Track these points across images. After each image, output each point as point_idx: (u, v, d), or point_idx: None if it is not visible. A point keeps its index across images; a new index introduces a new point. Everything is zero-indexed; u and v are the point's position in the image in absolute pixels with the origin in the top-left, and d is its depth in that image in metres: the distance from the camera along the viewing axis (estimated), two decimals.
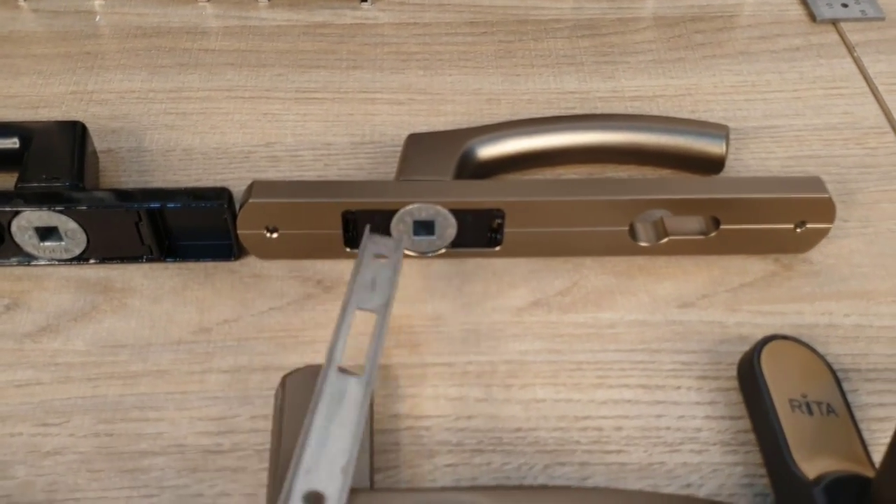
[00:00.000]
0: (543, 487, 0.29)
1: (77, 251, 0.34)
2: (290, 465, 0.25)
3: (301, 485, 0.24)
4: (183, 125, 0.40)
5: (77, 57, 0.44)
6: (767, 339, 0.31)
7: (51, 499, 0.29)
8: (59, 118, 0.40)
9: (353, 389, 0.27)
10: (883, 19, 0.47)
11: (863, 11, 0.47)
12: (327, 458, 0.25)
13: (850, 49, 0.45)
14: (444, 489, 0.28)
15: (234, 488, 0.29)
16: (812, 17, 0.47)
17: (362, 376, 0.27)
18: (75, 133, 0.36)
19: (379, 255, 0.31)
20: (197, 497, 0.29)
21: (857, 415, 0.31)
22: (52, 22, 0.46)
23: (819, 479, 0.27)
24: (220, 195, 0.34)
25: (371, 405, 0.30)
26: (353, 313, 0.29)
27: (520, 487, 0.29)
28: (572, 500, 0.26)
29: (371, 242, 0.32)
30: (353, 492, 0.25)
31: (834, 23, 0.47)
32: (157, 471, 0.30)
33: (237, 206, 0.34)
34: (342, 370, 0.27)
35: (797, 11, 0.47)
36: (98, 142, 0.39)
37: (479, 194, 0.34)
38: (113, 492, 0.29)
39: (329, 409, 0.26)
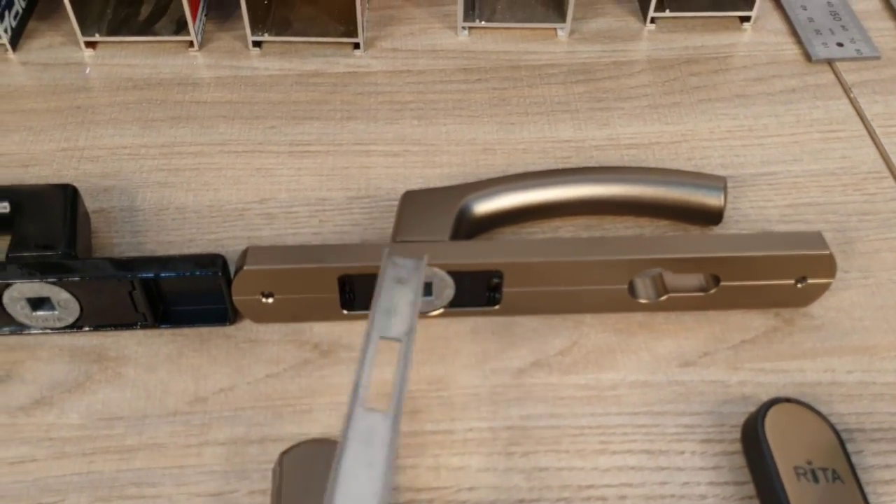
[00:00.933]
0: None
1: (70, 320, 0.34)
2: None
3: None
4: (175, 182, 0.40)
5: (67, 112, 0.43)
6: (771, 403, 0.31)
7: None
8: (51, 176, 0.40)
9: (381, 427, 0.26)
10: (879, 58, 0.47)
11: (858, 51, 0.47)
12: (358, 501, 0.24)
13: (846, 90, 0.45)
14: None
15: None
16: (807, 56, 0.47)
17: (388, 412, 0.26)
18: (66, 196, 0.36)
19: (400, 280, 0.30)
20: None
21: (863, 477, 0.31)
22: (41, 75, 0.45)
23: None
24: (215, 262, 0.33)
25: None
26: (377, 344, 0.28)
27: None
28: None
29: (391, 266, 0.31)
30: None
31: (829, 62, 0.46)
32: None
33: (232, 272, 0.34)
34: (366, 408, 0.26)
35: (792, 51, 0.47)
36: (90, 201, 0.38)
37: (477, 256, 0.34)
38: None
39: (357, 450, 0.25)
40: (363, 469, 0.25)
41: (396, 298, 0.30)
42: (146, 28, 0.46)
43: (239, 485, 0.31)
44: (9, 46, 0.46)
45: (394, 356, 0.28)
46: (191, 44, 0.46)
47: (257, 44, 0.46)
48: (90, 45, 0.46)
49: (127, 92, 0.44)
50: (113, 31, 0.46)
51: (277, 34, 0.46)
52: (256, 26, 0.46)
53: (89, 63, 0.46)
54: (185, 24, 0.45)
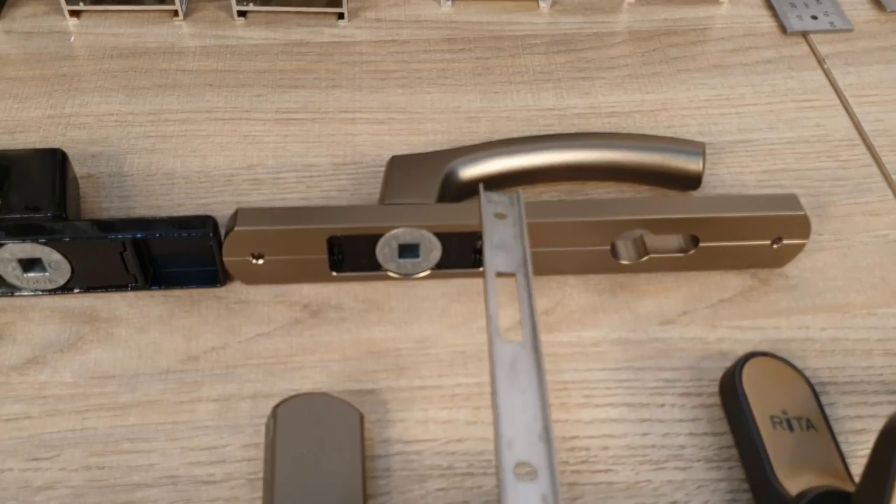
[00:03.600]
0: None
1: (61, 281, 0.34)
2: (494, 441, 0.24)
3: (508, 460, 0.24)
4: (163, 148, 0.40)
5: (53, 79, 0.43)
6: (748, 357, 0.32)
7: None
8: (38, 143, 0.40)
9: (521, 355, 0.26)
10: (851, 31, 0.48)
11: (832, 23, 0.48)
12: (523, 428, 0.24)
13: (820, 61, 0.46)
14: None
15: None
16: (783, 29, 0.48)
17: (525, 340, 0.26)
18: (55, 161, 0.36)
19: (499, 215, 0.31)
20: None
21: (835, 428, 0.32)
22: (25, 43, 0.45)
23: (801, 495, 0.28)
24: (205, 224, 0.34)
25: (362, 431, 0.30)
26: (494, 280, 0.28)
27: None
28: None
29: (488, 202, 0.31)
30: None
31: (804, 35, 0.48)
32: (150, 503, 0.30)
33: (222, 234, 0.34)
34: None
35: (768, 24, 0.48)
36: (78, 167, 0.39)
37: (463, 217, 0.34)
38: None
39: (508, 378, 0.25)
40: (517, 397, 0.25)
41: (503, 234, 0.30)
42: None
43: (232, 439, 0.31)
44: None
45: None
46: (175, 13, 0.46)
47: (242, 13, 0.47)
48: (74, 13, 0.46)
49: (112, 60, 0.44)
50: (97, 0, 0.46)
51: (262, 4, 0.47)
52: None
53: (73, 32, 0.46)
54: None
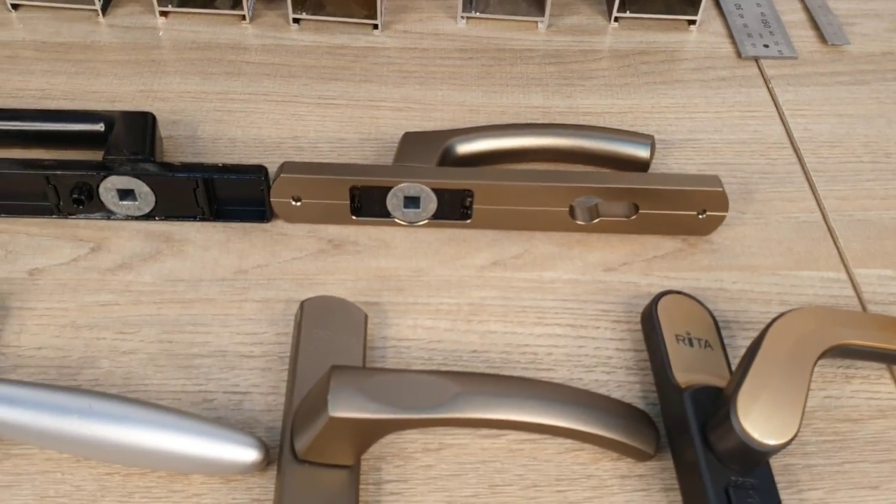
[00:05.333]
0: (483, 374, 0.39)
1: (147, 210, 0.45)
2: None
3: None
4: (228, 120, 0.51)
5: (144, 63, 0.55)
6: (664, 293, 0.42)
7: (126, 384, 0.39)
8: (132, 110, 0.51)
9: None
10: (796, 58, 0.57)
11: (780, 51, 0.58)
12: None
13: (766, 81, 0.56)
14: (406, 371, 0.38)
15: (262, 382, 0.40)
16: (738, 54, 0.57)
17: None
18: (147, 121, 0.47)
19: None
20: (234, 387, 0.39)
21: (733, 353, 0.41)
22: (124, 35, 0.57)
23: (688, 386, 0.38)
24: (259, 171, 0.44)
25: (366, 326, 0.40)
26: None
27: (465, 373, 0.39)
28: (498, 383, 0.37)
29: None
30: (336, 368, 0.34)
31: (756, 59, 0.57)
32: (205, 368, 0.40)
33: (271, 181, 0.45)
34: None
35: (727, 49, 0.58)
36: (161, 130, 0.50)
37: (455, 177, 0.45)
38: (173, 381, 0.39)
39: None
40: None
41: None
42: (209, 2, 0.58)
43: (269, 328, 0.42)
44: (100, 12, 0.57)
45: None
46: (243, 17, 0.58)
47: (297, 20, 0.58)
48: (164, 14, 0.58)
49: (191, 51, 0.56)
50: (182, 4, 0.58)
51: (313, 14, 0.58)
52: (297, 6, 0.57)
53: (162, 28, 0.57)
54: (240, 1, 0.57)
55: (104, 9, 0.58)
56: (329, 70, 0.55)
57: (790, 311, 0.37)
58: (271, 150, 0.50)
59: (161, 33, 0.57)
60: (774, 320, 0.37)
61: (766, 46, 0.58)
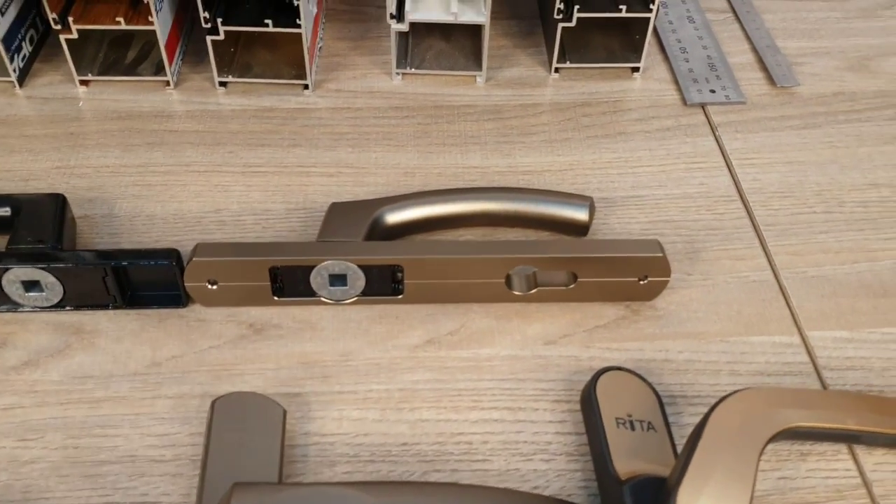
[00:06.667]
0: (401, 482, 0.36)
1: (55, 300, 0.42)
2: None
3: None
4: (147, 195, 0.49)
5: (62, 137, 0.52)
6: (604, 370, 0.39)
7: (26, 498, 0.36)
8: (45, 189, 0.49)
9: None
10: (744, 103, 0.55)
11: (727, 96, 0.56)
12: None
13: (713, 128, 0.54)
14: (316, 483, 0.35)
15: (173, 489, 0.37)
16: (684, 101, 0.55)
17: None
18: (57, 203, 0.45)
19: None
20: (143, 496, 0.36)
21: (679, 433, 0.39)
22: (42, 107, 0.54)
23: (629, 479, 0.35)
24: (171, 255, 0.41)
25: (284, 423, 0.37)
26: None
27: (382, 483, 0.36)
28: (417, 492, 0.34)
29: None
30: (237, 485, 0.32)
31: (702, 106, 0.55)
32: (113, 476, 0.37)
33: (185, 264, 0.42)
34: None
35: (672, 96, 0.56)
36: (76, 209, 0.47)
37: (382, 253, 0.42)
38: (76, 493, 0.36)
39: None
40: None
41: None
42: (131, 69, 0.56)
43: (182, 428, 0.39)
44: (16, 83, 0.55)
45: None
46: (167, 83, 0.55)
47: (223, 83, 0.55)
48: (84, 83, 0.55)
49: (112, 122, 0.53)
50: (103, 72, 0.55)
51: (240, 76, 0.55)
52: (223, 69, 0.55)
53: (83, 98, 0.55)
54: (164, 66, 0.54)
55: (21, 79, 0.55)
56: (256, 135, 0.53)
57: (734, 392, 0.35)
58: (192, 225, 0.47)
59: (81, 103, 0.55)
60: (717, 403, 0.34)
61: (713, 92, 0.56)
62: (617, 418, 0.38)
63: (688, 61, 0.58)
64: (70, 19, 0.51)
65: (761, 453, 0.33)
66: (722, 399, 0.34)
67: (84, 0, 0.52)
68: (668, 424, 0.38)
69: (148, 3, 0.50)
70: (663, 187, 0.50)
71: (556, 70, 0.57)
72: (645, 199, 0.49)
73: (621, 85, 0.57)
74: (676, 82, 0.57)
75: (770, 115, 0.55)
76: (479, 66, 0.56)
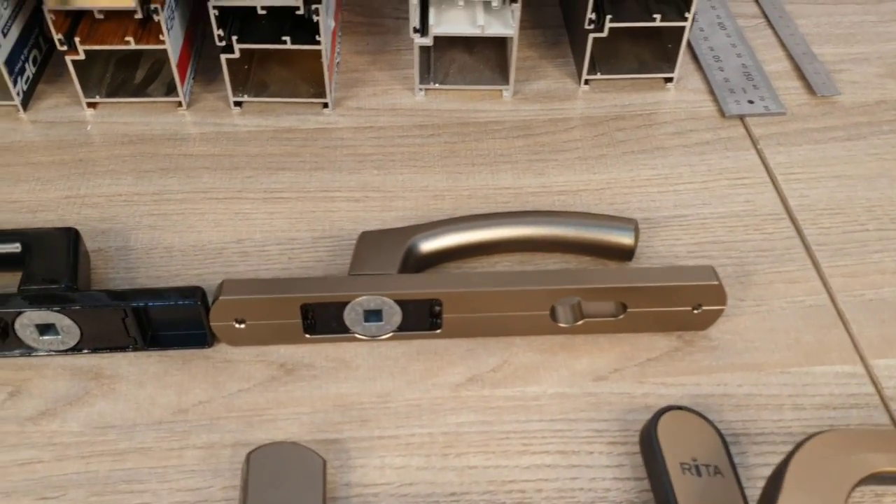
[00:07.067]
0: None
1: (72, 343, 0.40)
2: None
3: None
4: (164, 225, 0.46)
5: (71, 164, 0.49)
6: (664, 410, 0.37)
7: None
8: (55, 221, 0.46)
9: None
10: (784, 114, 0.53)
11: (766, 107, 0.53)
12: None
13: (754, 142, 0.51)
14: None
15: None
16: (722, 113, 0.53)
17: None
18: (69, 238, 0.42)
19: None
20: None
21: (745, 474, 0.36)
22: (48, 132, 0.51)
23: None
24: (195, 293, 0.39)
25: (324, 475, 0.35)
26: None
27: None
28: None
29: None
30: None
31: (741, 118, 0.53)
32: None
33: (210, 301, 0.39)
34: None
35: (709, 108, 0.54)
36: (89, 242, 0.44)
37: (420, 287, 0.40)
38: None
39: None
40: None
41: None
42: (140, 90, 0.53)
43: (214, 481, 0.36)
44: (20, 107, 0.52)
45: None
46: (179, 104, 0.52)
47: (238, 103, 0.53)
48: (91, 105, 0.52)
49: (123, 146, 0.50)
50: (111, 94, 0.52)
51: (256, 95, 0.53)
52: (237, 88, 0.52)
53: (90, 121, 0.52)
54: (175, 86, 0.51)
55: (25, 103, 0.52)
56: (276, 158, 0.50)
57: (813, 436, 0.32)
58: (213, 257, 0.45)
59: (89, 127, 0.52)
60: (797, 448, 0.32)
61: (751, 102, 0.53)
62: (682, 463, 0.35)
63: (722, 70, 0.56)
64: (77, 40, 0.48)
65: (846, 502, 0.31)
66: (801, 443, 0.32)
67: (90, 19, 0.50)
68: (734, 467, 0.36)
69: (159, 21, 0.48)
70: (708, 206, 0.48)
71: (586, 82, 0.54)
72: (689, 219, 0.47)
73: (654, 96, 0.54)
74: (712, 92, 0.54)
75: (812, 127, 0.52)
76: (505, 80, 0.54)
